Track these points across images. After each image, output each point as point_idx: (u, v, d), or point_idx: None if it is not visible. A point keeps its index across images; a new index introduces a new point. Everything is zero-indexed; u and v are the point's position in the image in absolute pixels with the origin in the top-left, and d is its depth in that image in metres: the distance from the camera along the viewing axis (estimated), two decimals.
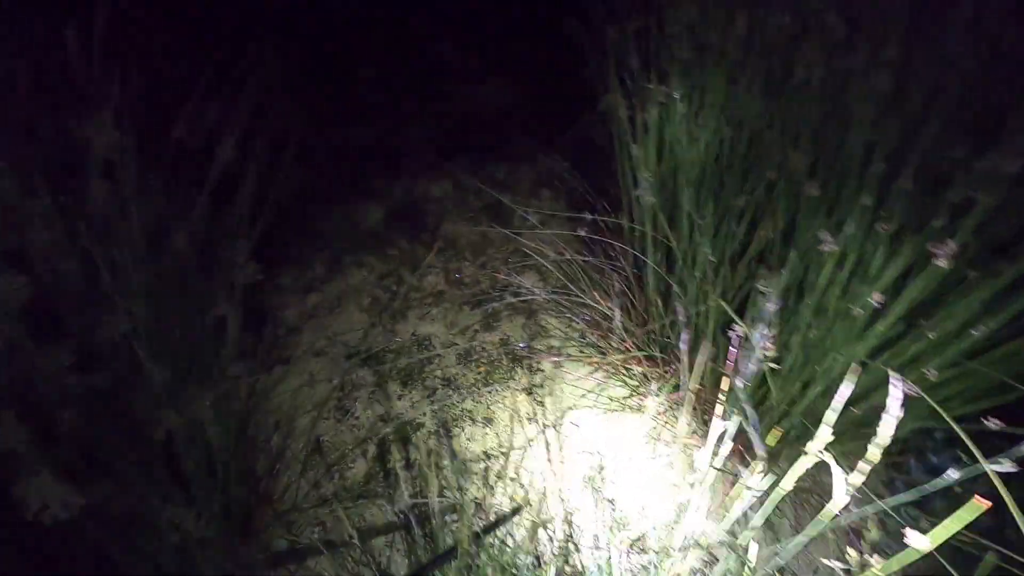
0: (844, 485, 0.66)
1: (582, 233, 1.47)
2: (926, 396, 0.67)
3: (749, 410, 0.79)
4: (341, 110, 2.58)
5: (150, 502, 0.89)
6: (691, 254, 1.42)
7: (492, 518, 1.26)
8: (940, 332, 0.98)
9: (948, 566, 0.72)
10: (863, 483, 0.68)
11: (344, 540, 1.38)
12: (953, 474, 0.68)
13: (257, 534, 1.19)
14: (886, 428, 0.63)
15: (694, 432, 1.61)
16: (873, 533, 0.85)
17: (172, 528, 0.93)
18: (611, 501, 1.49)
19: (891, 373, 0.62)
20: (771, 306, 0.83)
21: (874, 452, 0.65)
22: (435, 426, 1.62)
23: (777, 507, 1.45)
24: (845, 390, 0.70)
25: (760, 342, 0.82)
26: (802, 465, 0.73)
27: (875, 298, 0.92)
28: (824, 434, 0.71)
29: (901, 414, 0.62)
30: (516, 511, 1.20)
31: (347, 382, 1.68)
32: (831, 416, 0.70)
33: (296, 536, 1.35)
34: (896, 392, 0.62)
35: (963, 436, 0.63)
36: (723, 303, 1.07)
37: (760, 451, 0.77)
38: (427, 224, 2.13)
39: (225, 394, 0.98)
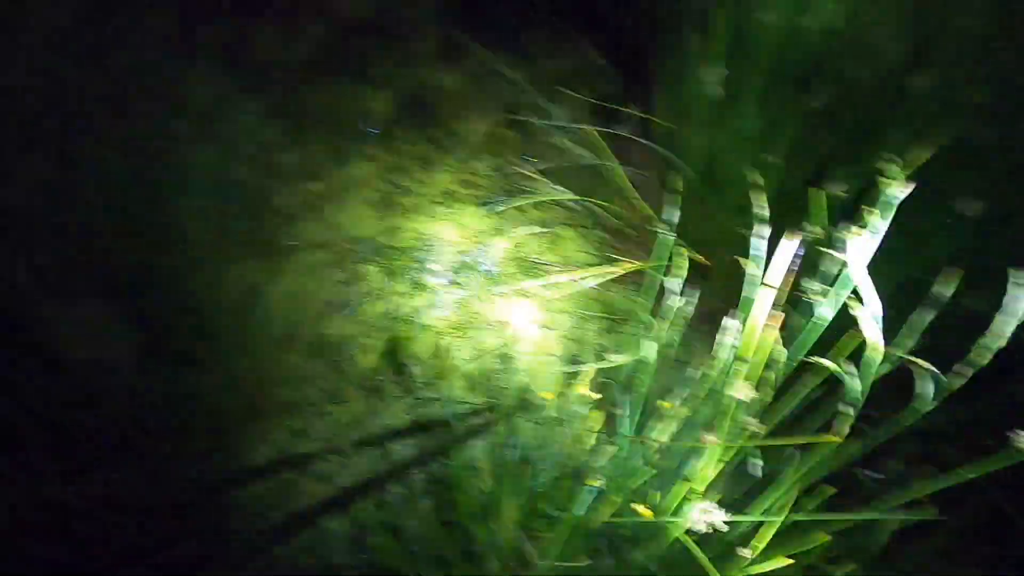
0: None
1: (617, 131, 1.35)
2: None
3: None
4: None
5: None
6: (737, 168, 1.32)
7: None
8: None
9: None
10: None
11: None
12: None
13: (262, 420, 1.13)
14: None
15: None
16: None
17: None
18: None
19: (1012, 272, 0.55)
20: None
21: None
22: (445, 327, 1.55)
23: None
24: None
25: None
26: None
27: None
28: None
29: None
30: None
31: (351, 277, 1.59)
32: None
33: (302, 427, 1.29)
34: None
35: None
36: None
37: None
38: (436, 118, 1.96)
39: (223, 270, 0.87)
